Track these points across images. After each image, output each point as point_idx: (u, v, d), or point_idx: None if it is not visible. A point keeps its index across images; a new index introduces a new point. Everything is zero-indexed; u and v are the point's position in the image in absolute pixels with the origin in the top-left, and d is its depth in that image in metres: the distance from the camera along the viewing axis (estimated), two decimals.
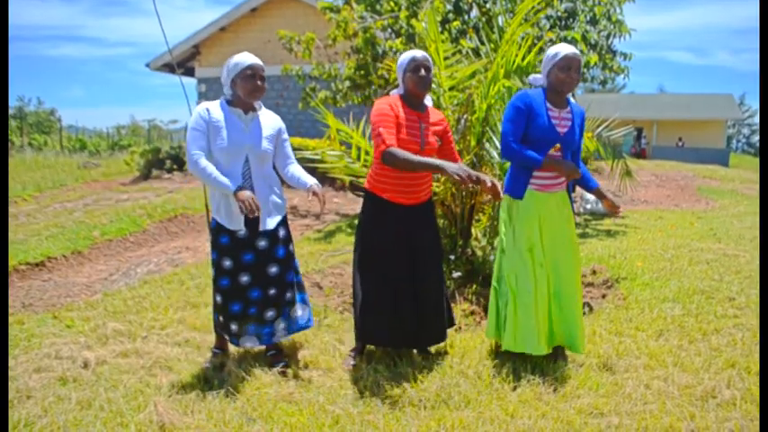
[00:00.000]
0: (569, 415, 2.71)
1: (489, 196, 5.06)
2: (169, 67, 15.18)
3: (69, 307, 4.60)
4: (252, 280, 3.22)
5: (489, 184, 2.92)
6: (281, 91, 14.35)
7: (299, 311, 3.40)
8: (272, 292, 3.26)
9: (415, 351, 3.48)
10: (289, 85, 14.02)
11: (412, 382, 3.07)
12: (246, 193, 2.98)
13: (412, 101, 3.29)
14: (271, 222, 3.24)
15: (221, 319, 3.28)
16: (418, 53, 3.27)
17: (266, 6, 14.44)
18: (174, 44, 14.46)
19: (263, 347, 3.45)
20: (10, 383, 3.13)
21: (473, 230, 5.13)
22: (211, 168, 3.03)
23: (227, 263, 3.19)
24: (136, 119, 36.74)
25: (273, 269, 3.25)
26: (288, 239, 3.36)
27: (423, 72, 3.22)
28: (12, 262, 5.76)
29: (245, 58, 3.13)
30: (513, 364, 3.23)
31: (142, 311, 4.42)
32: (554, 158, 3.21)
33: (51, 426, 2.69)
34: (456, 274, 4.74)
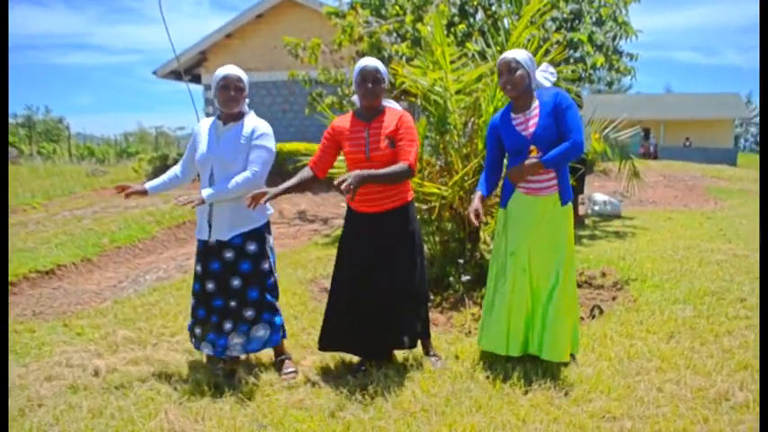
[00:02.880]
0: (581, 419, 2.69)
1: (497, 199, 5.06)
2: (176, 74, 15.25)
3: (79, 315, 4.63)
4: (216, 288, 3.26)
5: (344, 185, 2.87)
6: (287, 96, 14.38)
7: (260, 331, 3.30)
8: (232, 304, 3.25)
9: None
10: (295, 91, 14.04)
11: (422, 388, 3.06)
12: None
13: (361, 111, 3.32)
14: (227, 233, 3.20)
15: (191, 322, 3.39)
16: (366, 63, 3.22)
17: (272, 12, 14.49)
18: (181, 51, 14.52)
19: (272, 354, 3.47)
20: (21, 392, 3.14)
21: (481, 234, 5.11)
22: (164, 174, 3.45)
23: (198, 268, 3.31)
24: (143, 126, 36.96)
25: (236, 282, 3.25)
26: (259, 256, 3.28)
27: (369, 85, 3.20)
28: (22, 270, 5.78)
29: (221, 70, 3.24)
30: (524, 368, 3.21)
31: (152, 318, 4.43)
32: (475, 196, 3.32)
33: None
34: (465, 278, 4.72)
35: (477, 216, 3.26)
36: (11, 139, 24.18)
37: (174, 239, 8.11)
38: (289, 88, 14.12)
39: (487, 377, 3.18)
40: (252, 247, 3.26)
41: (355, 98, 3.42)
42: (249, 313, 3.27)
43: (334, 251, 6.76)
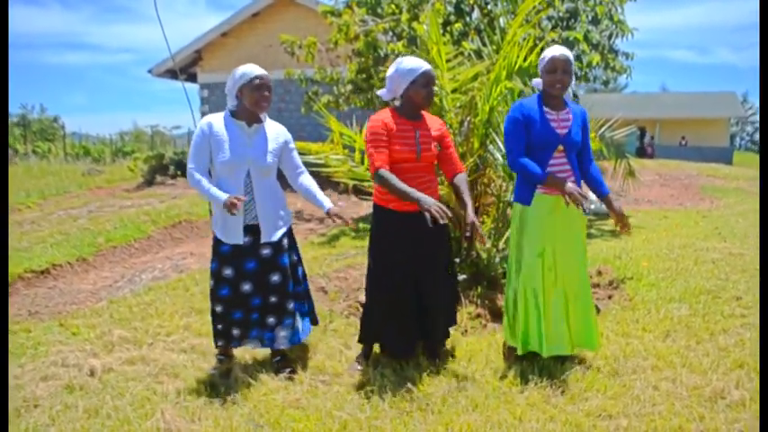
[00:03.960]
0: (578, 418, 2.70)
1: (493, 198, 5.07)
2: (171, 73, 15.21)
3: (75, 314, 4.61)
4: (253, 288, 3.23)
5: (469, 221, 3.10)
6: (282, 95, 14.36)
7: (299, 323, 3.38)
8: (272, 299, 3.25)
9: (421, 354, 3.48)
10: (291, 90, 14.02)
11: (419, 387, 3.06)
12: (231, 197, 2.98)
13: (409, 111, 3.25)
14: (276, 234, 3.25)
15: (221, 327, 3.29)
16: (427, 66, 3.19)
17: (268, 11, 14.46)
18: (177, 50, 14.48)
19: (269, 353, 3.46)
20: (17, 392, 3.13)
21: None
22: (205, 182, 3.09)
23: (229, 271, 3.21)
24: (139, 125, 36.80)
25: (275, 277, 3.24)
26: (292, 248, 3.36)
27: (431, 87, 3.20)
28: (17, 270, 5.76)
29: (253, 69, 3.15)
30: (521, 366, 3.22)
31: (148, 318, 4.42)
32: (557, 179, 3.14)
33: None
34: (461, 277, 4.72)
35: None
36: None
37: (170, 239, 8.09)
38: (284, 87, 14.08)
39: (484, 376, 3.18)
40: (286, 241, 3.30)
41: (383, 92, 3.31)
42: (292, 306, 3.30)
43: (330, 251, 6.80)
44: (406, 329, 3.32)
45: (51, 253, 6.50)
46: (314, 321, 3.59)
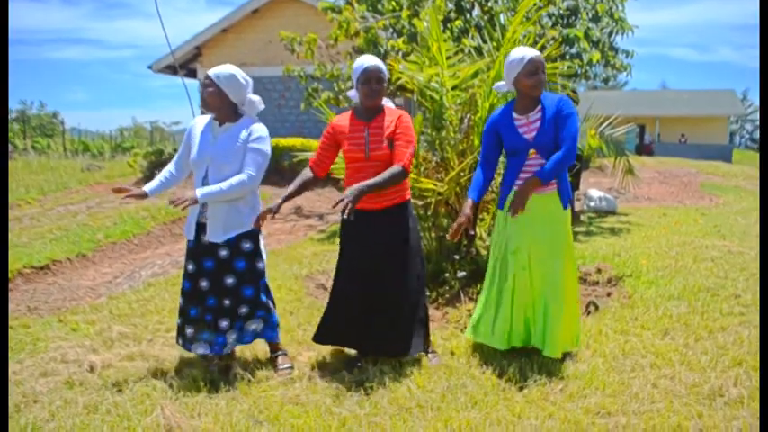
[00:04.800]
0: (576, 415, 2.71)
1: (493, 195, 5.07)
2: (171, 69, 15.18)
3: (74, 310, 4.61)
4: (210, 286, 3.23)
5: (340, 205, 2.96)
6: (282, 92, 14.35)
7: (252, 325, 3.31)
8: (226, 302, 3.24)
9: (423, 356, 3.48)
10: (291, 86, 13.99)
11: (418, 383, 3.07)
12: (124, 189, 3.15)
13: (362, 110, 3.30)
14: (221, 236, 3.18)
15: (179, 322, 3.34)
16: (370, 62, 3.18)
17: (267, 7, 14.44)
18: (177, 46, 14.44)
19: (268, 350, 3.47)
20: (16, 387, 3.14)
21: (477, 230, 5.12)
22: (159, 176, 3.34)
23: (190, 266, 3.27)
24: (138, 121, 36.71)
25: (230, 280, 3.23)
26: (253, 254, 3.28)
27: (374, 84, 3.18)
28: (16, 265, 5.76)
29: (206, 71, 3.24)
30: (520, 364, 3.23)
31: (147, 314, 4.42)
32: (467, 205, 3.28)
33: (59, 430, 2.70)
34: (461, 274, 4.73)
35: (468, 223, 3.25)
36: None
37: (170, 235, 8.09)
38: (284, 83, 14.06)
39: (483, 373, 3.19)
40: (247, 246, 3.25)
41: (351, 93, 3.39)
42: (243, 310, 3.27)
43: (330, 247, 6.80)
44: (333, 321, 3.39)
45: (50, 249, 6.50)
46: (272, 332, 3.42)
